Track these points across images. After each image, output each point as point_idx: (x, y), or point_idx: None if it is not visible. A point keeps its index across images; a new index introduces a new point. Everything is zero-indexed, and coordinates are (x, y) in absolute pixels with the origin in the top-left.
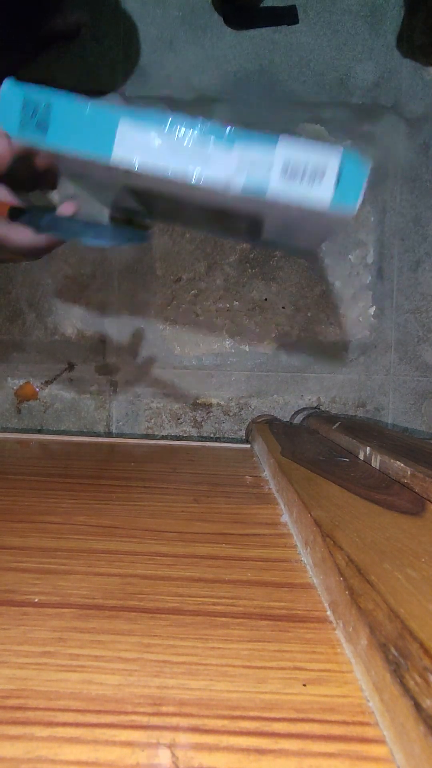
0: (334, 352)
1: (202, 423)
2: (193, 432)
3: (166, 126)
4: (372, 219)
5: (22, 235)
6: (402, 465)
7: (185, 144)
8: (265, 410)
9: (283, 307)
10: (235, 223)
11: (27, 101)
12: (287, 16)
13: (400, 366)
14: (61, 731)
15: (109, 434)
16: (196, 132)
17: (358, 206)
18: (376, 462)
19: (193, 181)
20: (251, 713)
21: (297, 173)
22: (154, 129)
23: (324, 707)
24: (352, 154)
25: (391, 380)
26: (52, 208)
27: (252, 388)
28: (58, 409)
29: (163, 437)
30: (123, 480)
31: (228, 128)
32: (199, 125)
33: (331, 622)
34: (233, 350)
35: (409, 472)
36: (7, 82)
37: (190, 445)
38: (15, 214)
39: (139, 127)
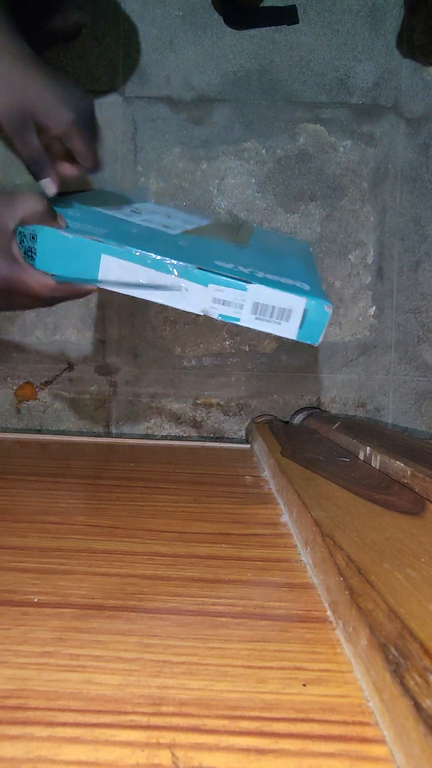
0: (334, 352)
1: (202, 423)
2: (193, 432)
3: (146, 262)
4: (372, 219)
5: (41, 280)
6: (402, 465)
7: (165, 278)
8: (265, 410)
9: None
10: None
11: (19, 231)
12: (287, 16)
13: (400, 366)
14: (61, 731)
15: (109, 434)
16: (174, 267)
17: (319, 342)
18: (376, 462)
19: (173, 306)
20: (251, 713)
21: (265, 313)
22: (135, 264)
23: (324, 707)
24: (316, 301)
25: (391, 380)
26: None
27: (252, 388)
28: (58, 409)
29: (163, 437)
30: (123, 480)
31: (200, 270)
32: (176, 265)
33: (331, 622)
34: (233, 350)
35: (409, 472)
36: None
37: (190, 445)
38: None
39: (121, 261)
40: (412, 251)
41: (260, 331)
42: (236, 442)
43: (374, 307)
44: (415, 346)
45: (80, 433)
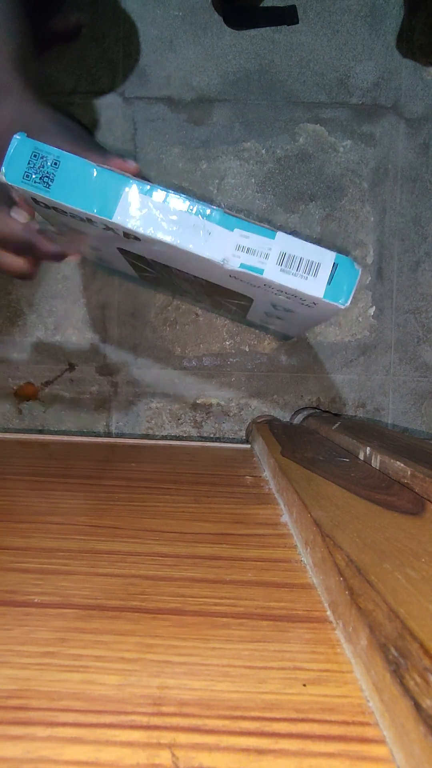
0: (334, 352)
1: (202, 423)
2: (193, 432)
3: (169, 199)
4: (372, 219)
5: (11, 222)
6: (402, 465)
7: (187, 218)
8: (265, 410)
9: None
10: (225, 302)
11: (36, 153)
12: (287, 16)
13: (400, 366)
14: (62, 731)
15: (109, 434)
16: (199, 209)
17: (348, 304)
18: (376, 462)
19: (191, 251)
20: (251, 713)
21: (292, 265)
22: (159, 201)
23: (324, 707)
24: (346, 258)
25: (391, 380)
26: None
27: (252, 388)
28: (59, 409)
29: (163, 437)
30: (124, 480)
31: (227, 214)
32: (202, 205)
33: (331, 622)
34: (233, 350)
35: (409, 472)
36: (21, 135)
37: (190, 445)
38: None
39: (143, 197)
40: (412, 251)
41: (282, 289)
42: (236, 442)
43: (374, 308)
44: (415, 347)
45: (81, 433)
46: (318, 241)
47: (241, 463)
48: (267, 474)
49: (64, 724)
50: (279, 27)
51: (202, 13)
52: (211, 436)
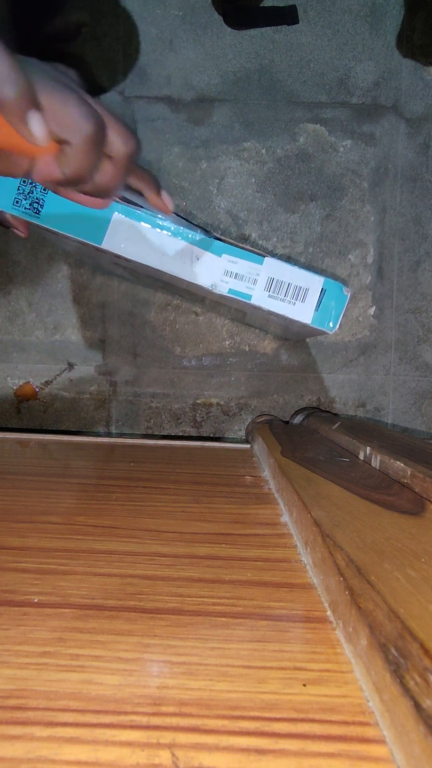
0: (334, 352)
1: (202, 423)
2: (193, 432)
3: (158, 225)
4: (372, 219)
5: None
6: (402, 465)
7: (176, 243)
8: (265, 410)
9: None
10: (222, 307)
11: (26, 179)
12: (287, 16)
13: (400, 366)
14: (61, 731)
15: (109, 434)
16: (187, 235)
17: (336, 328)
18: (376, 462)
19: (180, 277)
20: (251, 713)
21: (280, 291)
22: (147, 227)
23: (324, 707)
24: (334, 283)
25: (391, 380)
26: None
27: (252, 388)
28: (58, 409)
29: (163, 437)
30: (123, 480)
31: (215, 240)
32: (191, 230)
33: (331, 622)
34: (233, 350)
35: (409, 472)
36: None
37: (190, 445)
38: None
39: (132, 222)
40: (412, 251)
41: (271, 312)
42: (236, 442)
43: (374, 307)
44: (415, 346)
45: (80, 433)
46: (319, 238)
47: (241, 463)
48: (267, 474)
49: (62, 724)
50: (279, 27)
51: (202, 13)
52: (211, 436)
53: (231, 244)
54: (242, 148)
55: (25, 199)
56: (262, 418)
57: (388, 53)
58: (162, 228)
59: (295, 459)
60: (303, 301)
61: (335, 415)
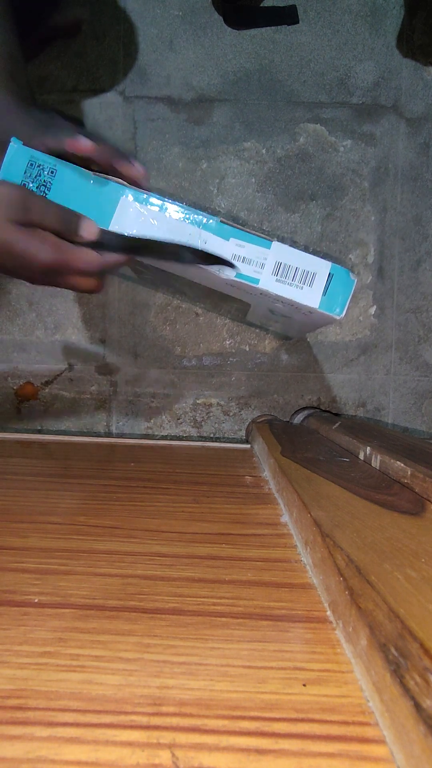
0: (334, 351)
1: (202, 423)
2: (193, 432)
3: (166, 208)
4: (372, 219)
5: (87, 252)
6: (402, 465)
7: (183, 227)
8: (265, 410)
9: None
10: (224, 304)
11: (33, 162)
12: (287, 16)
13: (400, 366)
14: (61, 731)
15: (109, 434)
16: (195, 218)
17: (343, 315)
18: (376, 462)
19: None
20: (251, 713)
21: (287, 275)
22: (156, 209)
23: (324, 707)
24: (341, 269)
25: (392, 380)
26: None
27: (252, 388)
28: (58, 409)
29: (163, 437)
30: (123, 480)
31: (222, 224)
32: (198, 214)
33: (331, 622)
34: (233, 350)
35: (409, 472)
36: (16, 142)
37: (190, 445)
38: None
39: (140, 206)
40: (412, 250)
41: (278, 297)
42: (236, 442)
43: (375, 307)
44: (415, 346)
45: (81, 433)
46: (320, 238)
47: (241, 463)
48: (267, 474)
49: (63, 724)
50: (279, 27)
51: (203, 13)
52: (211, 436)
53: (238, 228)
54: (242, 148)
55: (32, 182)
56: (262, 418)
57: (388, 53)
58: (169, 211)
59: (295, 459)
60: (311, 285)
61: (335, 415)
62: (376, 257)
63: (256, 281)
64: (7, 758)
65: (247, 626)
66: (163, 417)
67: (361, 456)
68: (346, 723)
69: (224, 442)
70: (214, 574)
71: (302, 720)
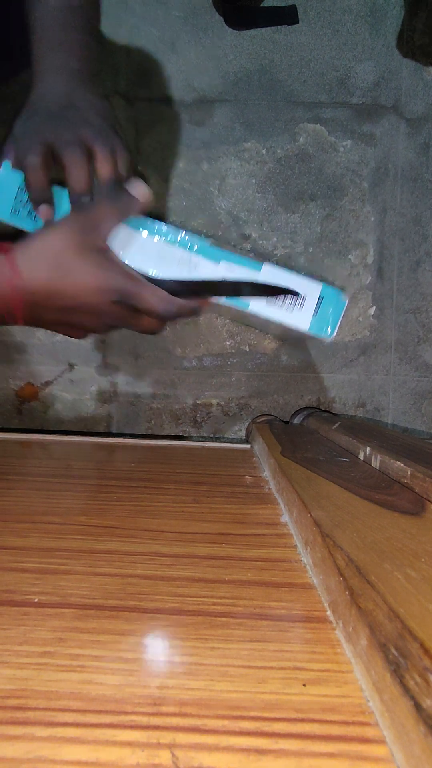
0: (334, 352)
1: (202, 423)
2: (193, 432)
3: (158, 232)
4: (372, 219)
5: (158, 294)
6: (402, 465)
7: (173, 251)
8: (265, 410)
9: None
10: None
11: (22, 188)
12: (287, 16)
13: (400, 366)
14: (61, 731)
15: (109, 434)
16: (185, 242)
17: (334, 336)
18: (376, 462)
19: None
20: (251, 713)
21: (277, 298)
22: (146, 233)
23: (324, 707)
24: (332, 289)
25: (391, 380)
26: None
27: (252, 388)
28: (59, 409)
29: (163, 437)
30: (123, 480)
31: (213, 247)
32: (189, 238)
33: (331, 622)
34: (233, 350)
35: (409, 472)
36: (5, 167)
37: (190, 445)
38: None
39: (132, 230)
40: (412, 251)
41: (269, 319)
42: (236, 442)
43: (374, 307)
44: (415, 346)
45: (81, 433)
46: (319, 238)
47: (241, 463)
48: (267, 474)
49: (63, 724)
50: (279, 27)
51: (203, 14)
52: (211, 436)
53: (228, 251)
54: (243, 149)
55: (23, 207)
56: (262, 418)
57: (388, 53)
58: (160, 235)
59: (295, 459)
60: (301, 307)
61: (335, 415)
62: (376, 258)
63: (246, 305)
64: (7, 758)
65: (247, 626)
66: (164, 417)
67: (361, 456)
68: (346, 723)
69: (224, 442)
70: (214, 574)
71: (302, 720)
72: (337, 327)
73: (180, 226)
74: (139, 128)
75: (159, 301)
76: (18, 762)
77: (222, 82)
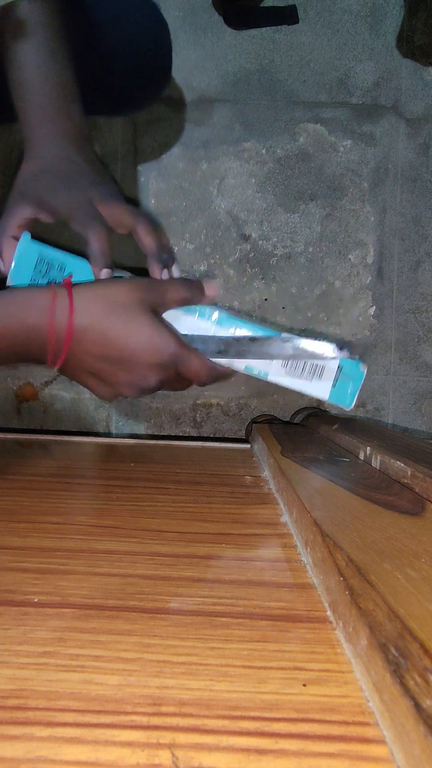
0: None
1: (202, 423)
2: (193, 432)
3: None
4: (372, 219)
5: (204, 362)
6: (402, 465)
7: (190, 323)
8: (265, 410)
9: (284, 308)
10: None
11: (41, 259)
12: (287, 16)
13: (400, 366)
14: (61, 731)
15: (109, 434)
16: (202, 312)
17: (352, 406)
18: (376, 462)
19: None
20: (251, 713)
21: (297, 368)
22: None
23: (324, 707)
24: (350, 361)
25: (391, 380)
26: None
27: (252, 388)
28: (58, 409)
29: (163, 437)
30: (123, 480)
31: (231, 318)
32: (206, 308)
33: (331, 622)
34: None
35: (409, 472)
36: (25, 237)
37: (190, 445)
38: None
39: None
40: (412, 251)
41: (288, 388)
42: (236, 442)
43: (374, 307)
44: (415, 346)
45: (81, 433)
46: (319, 238)
47: (241, 463)
48: (267, 474)
49: (63, 724)
50: (279, 27)
51: (203, 14)
52: (211, 436)
53: (246, 320)
54: (242, 149)
55: (42, 279)
56: (262, 418)
57: (388, 53)
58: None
59: (295, 459)
60: (320, 377)
61: (335, 415)
62: (376, 258)
63: (266, 374)
64: (7, 758)
65: (247, 626)
66: (163, 417)
67: (361, 456)
68: (346, 723)
69: (224, 442)
70: (214, 574)
71: (302, 720)
72: (356, 398)
73: (180, 225)
74: (137, 127)
75: (204, 368)
76: (18, 762)
77: (221, 82)
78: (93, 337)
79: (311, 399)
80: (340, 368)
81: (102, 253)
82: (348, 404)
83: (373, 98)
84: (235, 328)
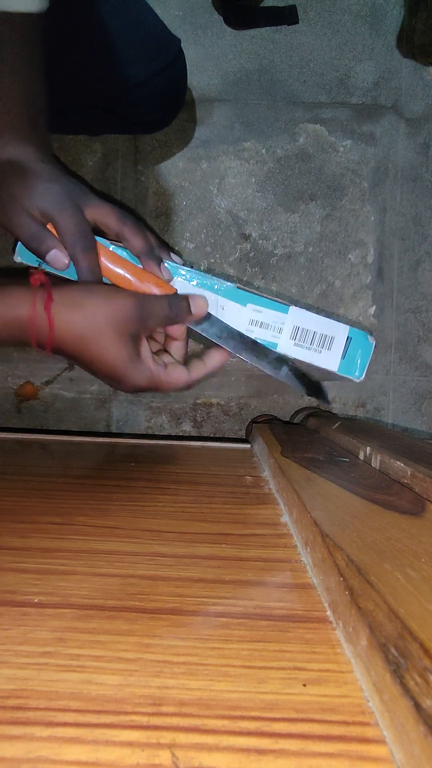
0: None
1: (202, 423)
2: (193, 432)
3: (183, 275)
4: (372, 219)
5: (176, 376)
6: (402, 465)
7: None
8: (265, 410)
9: None
10: None
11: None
12: (287, 16)
13: (400, 366)
14: (61, 731)
15: (109, 434)
16: (211, 284)
17: (363, 377)
18: (376, 462)
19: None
20: (251, 713)
21: (305, 339)
22: (173, 276)
23: (324, 707)
24: (359, 332)
25: (391, 380)
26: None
27: (252, 388)
28: (59, 408)
29: (163, 437)
30: (123, 480)
31: (240, 290)
32: (215, 280)
33: (331, 622)
34: None
35: (409, 472)
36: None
37: (190, 445)
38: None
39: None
40: (412, 251)
41: (297, 359)
42: (236, 442)
43: (374, 307)
44: (415, 346)
45: (81, 433)
46: (320, 238)
47: (241, 463)
48: (267, 474)
49: (63, 724)
50: (279, 27)
51: (203, 13)
52: (211, 436)
53: (255, 293)
54: (242, 148)
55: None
56: (262, 418)
57: (388, 53)
58: (186, 278)
59: (295, 459)
60: (329, 349)
61: (335, 415)
62: (376, 257)
63: (275, 345)
64: (7, 758)
65: (247, 626)
66: (163, 417)
67: (361, 456)
68: (346, 723)
69: (224, 442)
70: (214, 574)
71: (302, 720)
72: (366, 369)
73: (180, 224)
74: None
75: (177, 386)
76: (18, 762)
77: (221, 82)
78: (71, 353)
79: (311, 399)
80: (349, 339)
81: (91, 271)
82: (358, 375)
83: (373, 98)
84: (243, 303)
